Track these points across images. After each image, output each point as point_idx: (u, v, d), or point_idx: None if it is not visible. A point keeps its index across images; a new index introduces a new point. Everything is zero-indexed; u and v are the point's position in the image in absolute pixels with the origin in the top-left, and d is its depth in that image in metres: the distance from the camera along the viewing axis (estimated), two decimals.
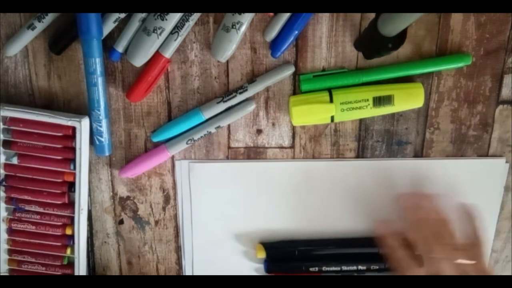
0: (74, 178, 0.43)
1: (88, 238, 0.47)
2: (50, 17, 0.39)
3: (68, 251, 0.46)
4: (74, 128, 0.42)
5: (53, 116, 0.41)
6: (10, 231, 0.45)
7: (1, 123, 0.42)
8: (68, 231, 0.45)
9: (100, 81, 0.40)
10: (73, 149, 0.42)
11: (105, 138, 0.43)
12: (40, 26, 0.39)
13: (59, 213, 0.45)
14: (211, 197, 0.46)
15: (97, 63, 0.39)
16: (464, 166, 0.44)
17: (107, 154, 0.43)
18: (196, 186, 0.45)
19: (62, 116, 0.41)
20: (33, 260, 0.46)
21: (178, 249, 0.48)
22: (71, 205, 0.44)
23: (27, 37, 0.40)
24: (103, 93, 0.41)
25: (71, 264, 0.46)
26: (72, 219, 0.45)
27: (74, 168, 0.43)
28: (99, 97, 0.41)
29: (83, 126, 0.41)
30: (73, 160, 0.43)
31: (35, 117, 0.41)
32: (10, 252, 0.46)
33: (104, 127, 0.42)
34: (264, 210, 0.46)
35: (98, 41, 0.38)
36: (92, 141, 0.43)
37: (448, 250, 0.39)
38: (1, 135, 0.42)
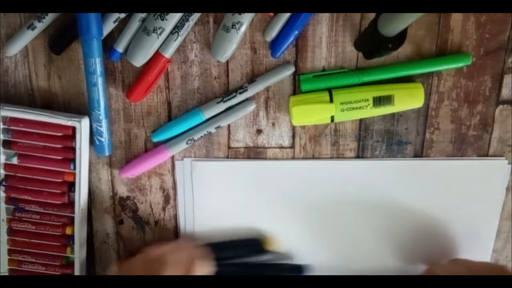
0: (74, 178, 0.43)
1: (88, 238, 0.47)
2: (50, 17, 0.39)
3: (68, 251, 0.46)
4: (74, 128, 0.42)
5: (53, 116, 0.41)
6: (10, 231, 0.45)
7: (1, 123, 0.42)
8: (68, 231, 0.45)
9: (100, 81, 0.40)
10: (73, 149, 0.42)
11: (105, 138, 0.43)
12: (40, 26, 0.39)
13: (59, 213, 0.45)
14: (213, 195, 0.46)
15: (97, 63, 0.39)
16: (464, 166, 0.44)
17: (107, 154, 0.43)
18: (198, 184, 0.45)
19: (62, 116, 0.41)
20: (33, 260, 0.46)
21: None
22: (71, 205, 0.44)
23: (27, 37, 0.40)
24: (103, 93, 0.41)
25: (70, 264, 0.46)
26: (72, 219, 0.45)
27: (74, 168, 0.43)
28: (99, 97, 0.41)
29: (83, 126, 0.41)
30: (73, 160, 0.43)
31: (35, 117, 0.41)
32: (10, 252, 0.46)
33: (104, 127, 0.42)
34: (265, 210, 0.46)
35: (98, 41, 0.38)
36: (92, 141, 0.43)
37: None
38: (1, 135, 0.42)
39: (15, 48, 0.41)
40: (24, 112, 0.41)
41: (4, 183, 0.44)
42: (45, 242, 0.46)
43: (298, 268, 0.47)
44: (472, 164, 0.44)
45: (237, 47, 0.40)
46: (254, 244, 0.46)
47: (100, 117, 0.41)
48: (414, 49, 0.41)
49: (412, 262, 0.47)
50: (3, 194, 0.44)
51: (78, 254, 0.45)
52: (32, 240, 0.46)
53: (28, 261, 0.46)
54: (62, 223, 0.45)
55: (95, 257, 0.49)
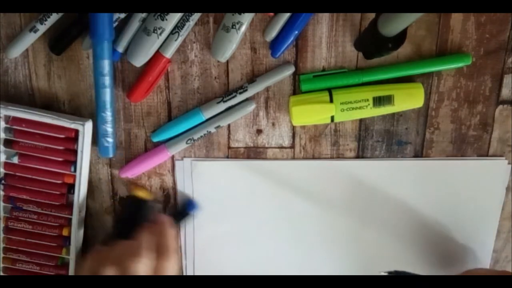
0: (74, 180, 0.43)
1: (85, 239, 0.47)
2: (52, 19, 0.39)
3: (64, 252, 0.46)
4: (77, 131, 0.42)
5: (56, 118, 0.41)
6: (6, 230, 0.45)
7: (3, 122, 0.42)
8: (65, 232, 0.45)
9: (109, 83, 0.40)
10: (74, 151, 0.42)
11: (111, 140, 0.42)
12: (42, 28, 0.39)
13: (56, 214, 0.45)
14: (213, 195, 0.46)
15: (108, 65, 0.39)
16: (464, 166, 0.44)
17: (111, 155, 0.43)
18: (198, 184, 0.45)
19: (65, 118, 0.41)
20: (28, 259, 0.46)
21: (178, 249, 0.48)
22: (69, 206, 0.44)
23: (29, 40, 0.40)
24: (111, 94, 0.41)
25: (65, 265, 0.46)
26: (69, 220, 0.45)
27: (75, 170, 0.43)
28: (109, 99, 0.40)
29: (86, 129, 0.41)
30: (74, 162, 0.43)
31: (38, 118, 0.41)
32: (5, 250, 0.46)
33: (111, 129, 0.42)
34: (265, 210, 0.46)
35: (109, 43, 0.38)
36: (96, 143, 0.43)
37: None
38: (3, 134, 0.42)
39: (16, 51, 0.40)
40: (27, 113, 0.41)
41: (3, 181, 0.44)
42: (41, 242, 0.46)
43: (188, 204, 0.46)
44: (472, 164, 0.44)
45: (237, 47, 0.40)
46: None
47: (109, 119, 0.41)
48: (414, 49, 0.41)
49: (411, 261, 0.47)
50: (1, 193, 0.44)
51: (74, 255, 0.45)
52: (28, 240, 0.46)
53: (23, 260, 0.46)
54: (59, 224, 0.45)
55: None
